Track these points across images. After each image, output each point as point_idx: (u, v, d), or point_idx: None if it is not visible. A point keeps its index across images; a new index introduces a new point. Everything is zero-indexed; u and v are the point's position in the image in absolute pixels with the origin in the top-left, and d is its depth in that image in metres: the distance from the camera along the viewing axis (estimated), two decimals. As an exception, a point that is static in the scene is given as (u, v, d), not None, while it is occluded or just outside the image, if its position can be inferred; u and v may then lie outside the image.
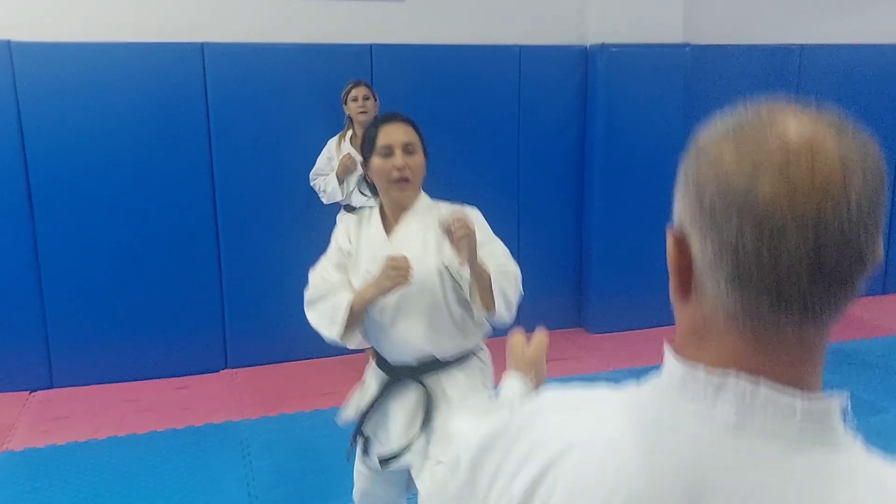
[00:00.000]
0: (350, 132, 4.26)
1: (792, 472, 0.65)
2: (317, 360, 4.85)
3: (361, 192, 2.34)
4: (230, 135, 4.52)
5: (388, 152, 2.11)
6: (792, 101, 0.69)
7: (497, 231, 2.26)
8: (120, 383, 4.53)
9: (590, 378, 4.45)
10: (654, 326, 5.34)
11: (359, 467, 2.35)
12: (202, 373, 4.67)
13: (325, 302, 2.13)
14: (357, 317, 2.09)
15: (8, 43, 4.14)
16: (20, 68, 4.17)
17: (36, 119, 4.23)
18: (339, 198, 4.22)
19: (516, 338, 1.50)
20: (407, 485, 2.34)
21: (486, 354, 2.26)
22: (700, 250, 0.67)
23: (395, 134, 2.13)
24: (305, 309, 2.20)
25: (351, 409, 2.29)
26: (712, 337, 0.68)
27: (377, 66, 4.68)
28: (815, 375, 0.70)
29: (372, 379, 2.26)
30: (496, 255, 2.12)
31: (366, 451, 2.27)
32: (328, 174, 4.25)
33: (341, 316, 2.07)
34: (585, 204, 5.24)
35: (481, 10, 4.98)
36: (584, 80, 5.09)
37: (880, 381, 4.40)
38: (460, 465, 0.89)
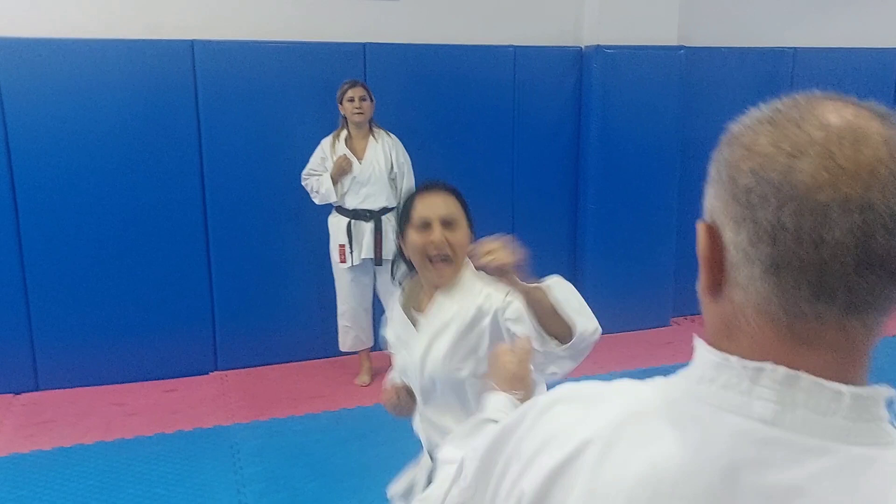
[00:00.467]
0: (344, 132, 4.21)
1: (837, 468, 0.60)
2: (308, 362, 4.80)
3: (393, 277, 2.05)
4: (220, 134, 4.45)
5: (426, 226, 1.84)
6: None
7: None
8: (107, 386, 4.45)
9: (583, 379, 4.42)
10: (649, 328, 5.33)
11: None
12: (191, 375, 4.61)
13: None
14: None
15: (-7, 39, 4.05)
16: (5, 65, 4.08)
17: (21, 116, 4.14)
18: (332, 199, 4.17)
19: (498, 350, 1.45)
20: None
21: None
22: (733, 240, 0.64)
23: (434, 206, 1.86)
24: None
25: (401, 485, 2.10)
26: (745, 332, 0.65)
27: (370, 66, 4.62)
28: (860, 375, 0.64)
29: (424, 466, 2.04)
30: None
31: None
32: (321, 174, 4.19)
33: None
34: (580, 205, 5.21)
35: (476, 10, 4.94)
36: (579, 82, 5.06)
37: (869, 382, 4.39)
38: (463, 471, 0.85)
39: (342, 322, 4.37)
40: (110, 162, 4.30)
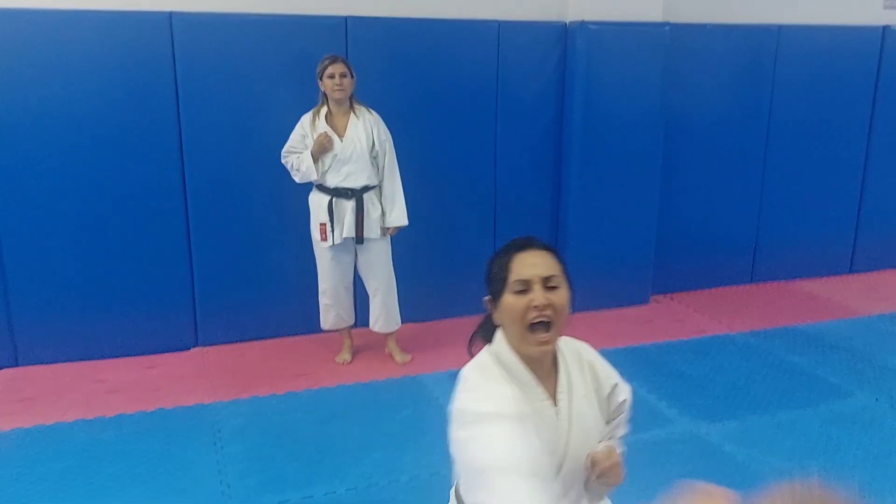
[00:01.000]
0: (325, 109, 4.15)
1: None
2: (288, 338, 4.81)
3: (484, 339, 1.75)
4: (199, 107, 4.39)
5: (525, 289, 1.61)
6: None
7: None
8: (87, 361, 4.44)
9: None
10: (628, 305, 5.38)
11: None
12: (172, 351, 4.60)
13: None
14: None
15: (-35, 9, 3.95)
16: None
17: (-5, 89, 4.06)
18: (313, 177, 4.12)
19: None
20: None
21: None
22: None
23: (533, 265, 1.63)
24: None
25: None
26: None
27: (352, 39, 4.56)
28: None
29: None
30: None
31: None
32: (301, 152, 4.13)
33: None
34: (563, 181, 5.20)
35: (460, -17, 4.87)
36: (564, 58, 5.02)
37: (846, 364, 4.47)
38: None
39: (323, 300, 4.37)
40: (87, 136, 4.23)
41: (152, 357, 4.52)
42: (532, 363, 1.65)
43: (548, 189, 5.21)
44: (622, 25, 4.93)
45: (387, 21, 4.64)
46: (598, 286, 5.22)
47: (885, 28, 5.84)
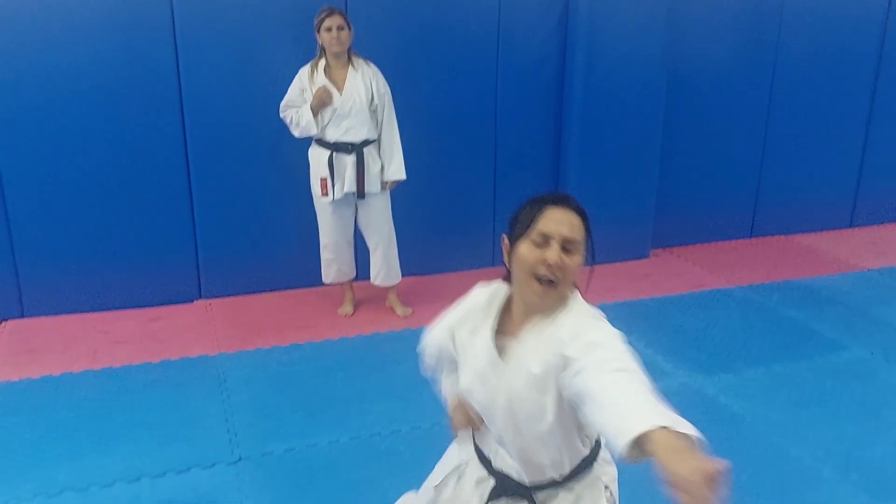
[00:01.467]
0: (323, 62, 4.11)
1: None
2: (291, 291, 4.86)
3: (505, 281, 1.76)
4: (199, 60, 4.36)
5: (544, 242, 1.62)
6: None
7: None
8: (92, 313, 4.50)
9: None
10: (627, 259, 5.42)
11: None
12: (175, 303, 4.65)
13: (436, 383, 1.97)
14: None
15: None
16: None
17: (-5, 41, 4.04)
18: (313, 132, 4.10)
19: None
20: None
21: (604, 453, 1.84)
22: None
23: (560, 223, 1.63)
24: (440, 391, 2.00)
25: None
26: None
27: (352, -10, 4.51)
28: None
29: (470, 474, 1.87)
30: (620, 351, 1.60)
31: None
32: (300, 106, 4.11)
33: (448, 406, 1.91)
34: (563, 134, 5.19)
35: (462, -67, 4.79)
36: (566, 11, 4.96)
37: (842, 318, 4.52)
38: None
39: (325, 255, 4.40)
40: (90, 91, 4.21)
41: (156, 309, 4.58)
42: (521, 309, 1.69)
43: (548, 142, 5.21)
44: (626, -23, 4.87)
45: (387, -29, 4.58)
46: (597, 240, 5.21)
47: (893, -20, 5.77)
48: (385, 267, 4.41)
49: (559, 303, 1.66)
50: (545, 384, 1.61)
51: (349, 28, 4.04)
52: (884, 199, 6.37)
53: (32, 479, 2.94)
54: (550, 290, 1.62)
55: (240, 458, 3.08)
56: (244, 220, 4.68)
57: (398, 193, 4.38)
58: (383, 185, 4.25)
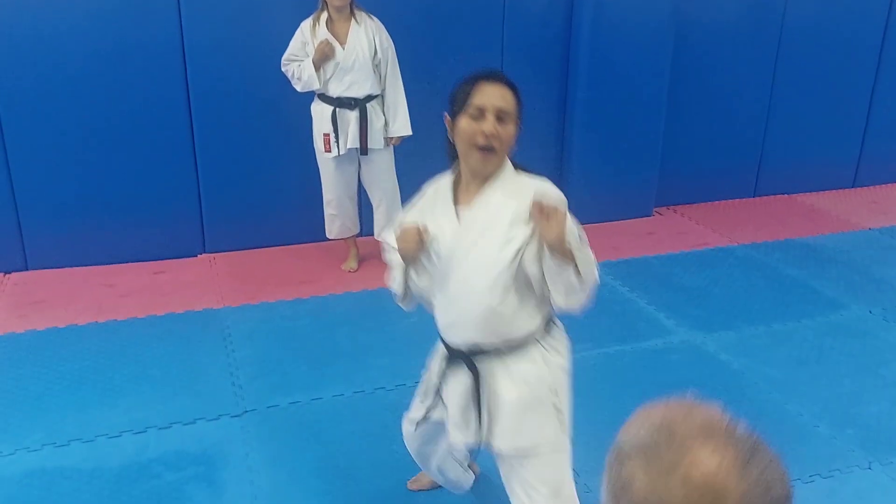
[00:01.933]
0: (325, 15, 4.04)
1: None
2: (294, 246, 4.86)
3: (449, 156, 2.02)
4: (202, 11, 4.29)
5: (479, 115, 1.86)
6: (704, 413, 0.74)
7: None
8: (96, 266, 4.51)
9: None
10: (631, 218, 5.41)
11: (408, 429, 2.37)
12: (179, 257, 4.66)
13: (392, 267, 2.13)
14: (407, 286, 2.08)
15: None
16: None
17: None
18: (315, 86, 4.06)
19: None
20: None
21: (554, 342, 2.05)
22: None
23: (491, 96, 1.87)
24: (388, 281, 2.20)
25: (419, 390, 2.27)
26: None
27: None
28: None
29: (436, 359, 2.16)
30: (576, 238, 1.86)
31: (416, 421, 2.26)
32: (303, 60, 4.06)
33: (397, 286, 2.10)
34: (569, 92, 5.14)
35: None
36: (573, -33, 4.88)
37: (843, 277, 4.54)
38: None
39: (328, 210, 4.39)
40: (92, 44, 4.17)
41: (160, 263, 4.59)
42: (468, 178, 1.95)
43: (554, 100, 5.16)
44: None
45: (392, -78, 4.49)
46: (601, 198, 5.24)
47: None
48: (389, 222, 4.39)
49: (499, 168, 1.92)
50: (507, 233, 1.87)
51: None
52: (887, 160, 6.34)
53: (40, 430, 2.99)
54: (490, 156, 1.88)
55: (245, 411, 3.12)
56: (247, 175, 4.67)
57: (401, 149, 4.36)
58: (387, 140, 4.22)
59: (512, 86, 1.91)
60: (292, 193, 4.74)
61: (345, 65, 4.02)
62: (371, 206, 4.45)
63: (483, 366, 1.99)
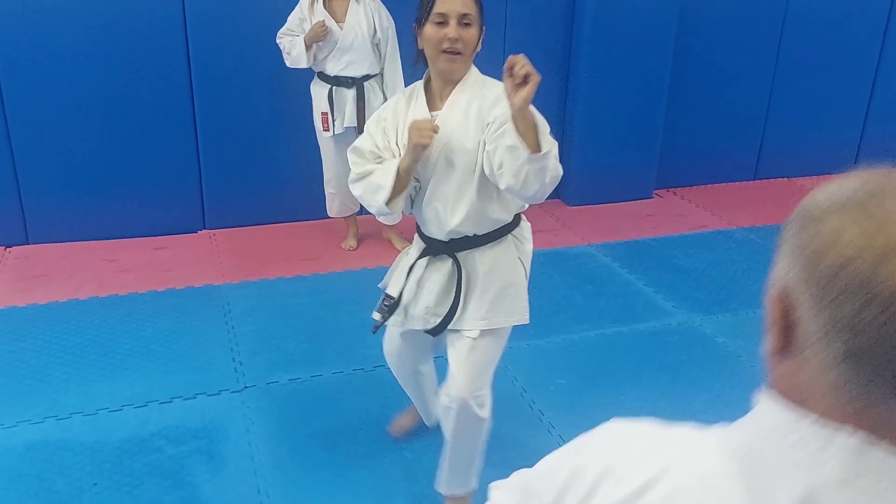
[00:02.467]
0: (323, -8, 4.01)
1: None
2: (295, 223, 4.87)
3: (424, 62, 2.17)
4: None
5: (443, 21, 2.03)
6: None
7: None
8: (96, 241, 4.52)
9: (565, 251, 4.55)
10: (631, 200, 5.42)
11: (389, 329, 2.51)
12: (179, 233, 4.67)
13: (372, 174, 2.15)
14: (402, 182, 2.10)
15: None
16: None
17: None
18: (302, 64, 4.01)
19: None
20: (433, 347, 2.54)
21: (522, 231, 2.30)
22: (809, 320, 0.62)
23: (453, 3, 2.04)
24: (351, 185, 2.24)
25: (391, 275, 2.40)
26: (818, 402, 0.63)
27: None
28: None
29: (414, 247, 2.34)
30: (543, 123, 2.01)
31: (392, 312, 2.35)
32: (297, 35, 4.02)
33: (391, 178, 2.08)
34: (571, 76, 5.13)
35: None
36: (578, -57, 4.85)
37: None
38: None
39: (328, 189, 4.39)
40: (94, 19, 4.15)
41: (160, 238, 4.60)
42: (440, 84, 2.13)
43: (556, 80, 5.14)
44: None
45: None
46: (602, 180, 5.25)
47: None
48: None
49: (466, 70, 2.12)
50: (475, 131, 2.06)
51: None
52: (888, 144, 6.33)
53: (41, 403, 3.01)
54: (456, 58, 2.05)
55: (245, 387, 3.15)
56: (248, 152, 4.66)
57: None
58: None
59: None
60: (293, 171, 4.74)
61: (342, 44, 4.00)
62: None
63: (462, 254, 2.20)
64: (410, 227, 4.74)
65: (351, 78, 4.06)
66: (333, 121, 4.10)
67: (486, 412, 2.26)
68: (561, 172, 1.96)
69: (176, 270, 4.20)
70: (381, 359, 3.34)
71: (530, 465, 0.89)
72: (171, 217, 4.65)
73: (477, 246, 2.19)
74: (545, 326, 3.68)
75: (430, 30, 2.05)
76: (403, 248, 4.40)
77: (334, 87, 4.07)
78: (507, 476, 0.94)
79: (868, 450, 0.61)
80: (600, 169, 5.20)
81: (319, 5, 3.99)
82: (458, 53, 2.04)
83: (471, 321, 2.20)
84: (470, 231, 2.16)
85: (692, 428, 0.75)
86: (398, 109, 2.19)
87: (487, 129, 2.04)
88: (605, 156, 5.21)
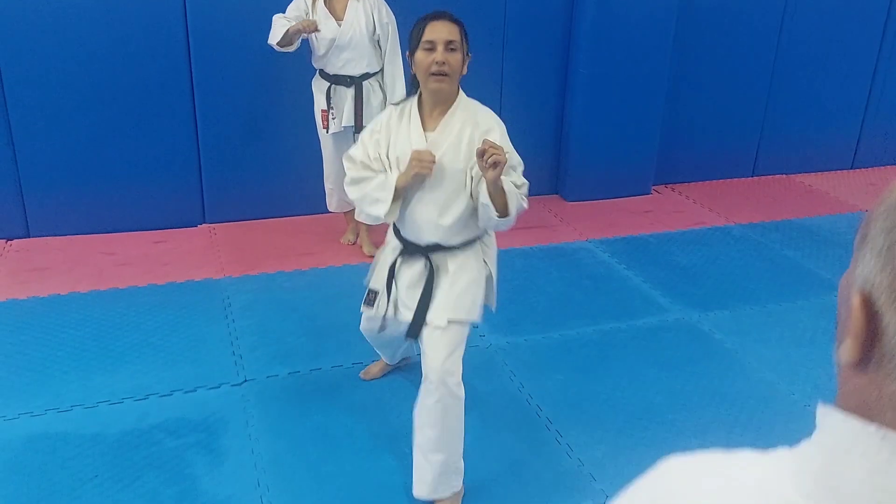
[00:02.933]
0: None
1: None
2: (294, 218, 4.88)
3: (407, 92, 2.51)
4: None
5: (431, 48, 2.31)
6: None
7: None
8: (96, 235, 4.53)
9: (563, 246, 4.56)
10: (629, 196, 5.43)
11: (365, 314, 2.74)
12: (179, 227, 4.68)
13: (369, 183, 2.44)
14: (399, 195, 2.41)
15: None
16: None
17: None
18: (273, 40, 3.86)
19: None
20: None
21: (490, 239, 2.61)
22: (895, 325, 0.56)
23: (440, 31, 2.32)
24: (347, 187, 2.51)
25: (373, 273, 2.70)
26: (891, 421, 0.57)
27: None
28: None
29: (389, 246, 2.62)
30: (515, 169, 2.38)
31: (372, 303, 2.64)
32: (290, 21, 3.87)
33: (390, 194, 2.37)
34: (570, 71, 5.14)
35: None
36: (578, -62, 4.85)
37: (839, 258, 4.57)
38: None
39: (327, 185, 4.38)
40: (94, 11, 4.15)
41: (160, 232, 4.61)
42: (430, 105, 2.39)
43: (555, 76, 5.15)
44: None
45: None
46: (600, 175, 5.26)
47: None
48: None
49: (454, 94, 2.39)
50: (466, 155, 2.34)
51: None
52: (887, 142, 6.35)
53: (43, 395, 3.03)
54: (444, 80, 2.32)
55: (245, 380, 3.17)
56: (248, 146, 4.67)
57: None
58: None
59: (457, 21, 2.36)
60: (292, 165, 4.75)
61: (340, 42, 3.95)
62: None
63: (435, 256, 2.48)
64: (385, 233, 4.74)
65: (349, 77, 4.02)
66: (332, 119, 4.09)
67: (461, 392, 2.46)
68: (526, 206, 2.39)
69: (176, 264, 4.21)
70: (379, 353, 3.37)
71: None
72: (171, 211, 4.66)
73: (450, 251, 2.48)
74: (543, 322, 3.70)
75: (420, 55, 2.33)
76: (369, 253, 4.36)
77: (333, 85, 4.05)
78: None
79: None
80: (599, 165, 5.21)
81: (320, 2, 3.96)
82: (445, 75, 2.32)
83: (439, 311, 2.46)
84: (444, 243, 2.45)
85: (756, 454, 0.69)
86: (391, 124, 2.45)
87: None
88: (603, 152, 5.22)
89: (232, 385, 3.13)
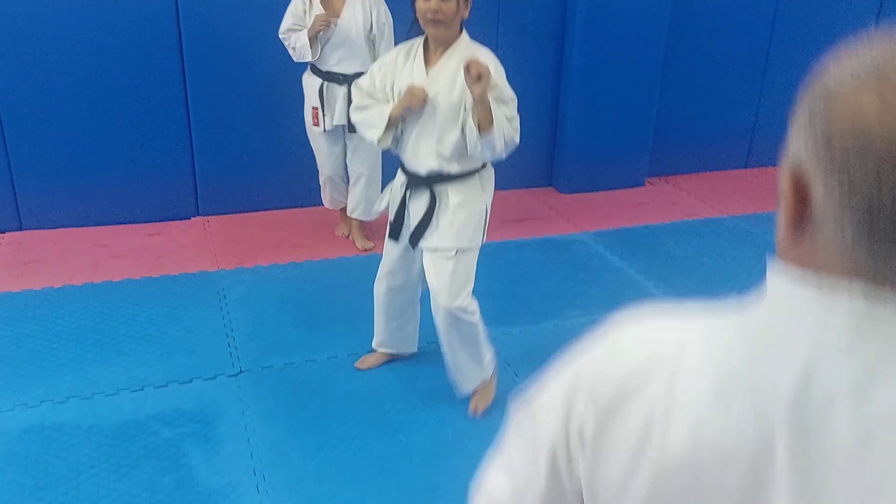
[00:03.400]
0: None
1: None
2: (287, 210, 4.88)
3: (411, 33, 2.75)
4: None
5: None
6: None
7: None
8: (90, 227, 4.53)
9: (558, 239, 4.58)
10: (622, 187, 5.45)
11: (388, 247, 2.96)
12: (173, 220, 4.68)
13: (371, 110, 2.73)
14: (392, 123, 2.69)
15: None
16: None
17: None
18: (308, 57, 3.95)
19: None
20: (418, 282, 3.01)
21: (487, 172, 2.83)
22: (824, 193, 0.61)
23: None
24: (352, 112, 2.82)
25: (382, 201, 2.95)
26: (828, 268, 0.63)
27: None
28: None
29: (398, 181, 2.87)
30: (507, 103, 2.62)
31: (394, 235, 2.89)
32: (300, 30, 3.94)
33: (384, 121, 2.67)
34: (564, 63, 5.15)
35: None
36: (571, -71, 4.85)
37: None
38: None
39: (321, 180, 4.36)
40: (87, 6, 4.14)
41: (154, 225, 4.61)
42: (433, 45, 2.66)
43: (549, 68, 5.16)
44: None
45: None
46: (594, 167, 5.28)
47: None
48: (364, 201, 4.26)
49: (454, 36, 2.64)
50: (461, 89, 2.56)
51: None
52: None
53: (38, 387, 3.04)
54: (440, 26, 2.57)
55: (240, 371, 3.18)
56: (241, 138, 4.67)
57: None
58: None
59: None
60: (286, 158, 4.75)
61: (336, 39, 3.92)
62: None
63: (438, 187, 2.72)
64: (377, 227, 4.75)
65: (342, 74, 3.99)
66: (324, 116, 4.06)
67: (474, 318, 2.77)
68: (517, 140, 2.64)
69: (170, 257, 4.21)
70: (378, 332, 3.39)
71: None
72: (164, 203, 4.66)
73: (450, 181, 2.72)
74: (537, 312, 3.72)
75: (419, 4, 2.58)
76: (364, 247, 4.39)
77: (326, 83, 4.03)
78: (500, 462, 0.90)
79: (872, 312, 0.60)
80: (593, 157, 5.23)
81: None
82: (441, 22, 2.56)
83: (444, 240, 2.73)
84: (443, 170, 2.69)
85: (710, 310, 0.76)
86: (398, 60, 2.72)
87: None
88: (597, 144, 5.24)
89: (227, 376, 3.15)
